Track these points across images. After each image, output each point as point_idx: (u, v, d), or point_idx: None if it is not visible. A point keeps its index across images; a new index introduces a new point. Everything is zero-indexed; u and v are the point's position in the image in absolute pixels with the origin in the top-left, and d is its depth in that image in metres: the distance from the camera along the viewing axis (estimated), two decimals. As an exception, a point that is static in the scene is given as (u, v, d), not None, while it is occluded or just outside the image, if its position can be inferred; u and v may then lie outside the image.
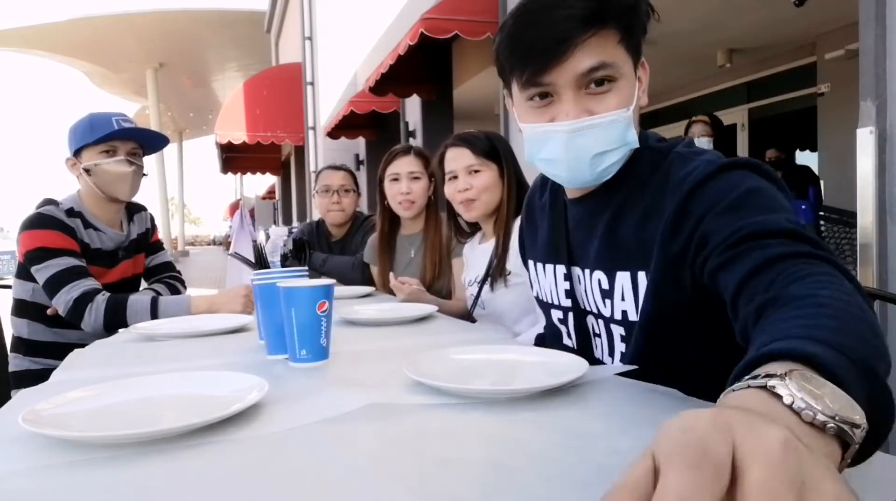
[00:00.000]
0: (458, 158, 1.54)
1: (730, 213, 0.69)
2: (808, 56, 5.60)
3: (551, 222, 1.00)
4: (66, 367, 0.98)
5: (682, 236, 0.74)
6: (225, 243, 22.45)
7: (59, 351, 1.59)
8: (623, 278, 0.83)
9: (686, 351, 0.79)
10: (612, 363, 0.87)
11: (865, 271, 1.77)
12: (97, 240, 1.63)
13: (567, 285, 0.95)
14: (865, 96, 1.76)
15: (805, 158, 6.02)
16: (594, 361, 0.93)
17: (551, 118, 0.81)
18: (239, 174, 16.51)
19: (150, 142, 1.71)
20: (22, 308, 1.62)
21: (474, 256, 1.65)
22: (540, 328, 1.32)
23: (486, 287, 1.55)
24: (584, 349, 0.95)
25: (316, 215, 2.34)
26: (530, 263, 1.08)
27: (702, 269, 0.71)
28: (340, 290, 1.84)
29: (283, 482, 0.49)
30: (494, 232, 1.55)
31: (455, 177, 1.55)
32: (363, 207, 2.63)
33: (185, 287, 1.84)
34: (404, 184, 1.91)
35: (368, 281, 2.18)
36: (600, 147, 0.80)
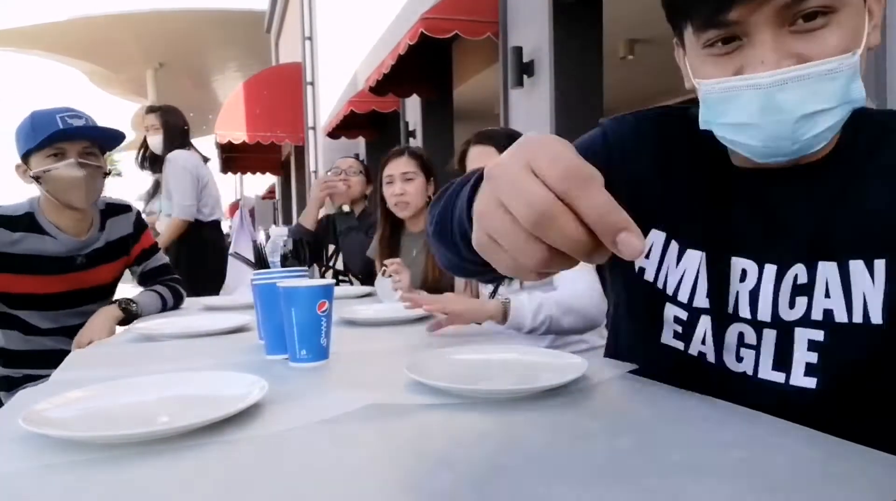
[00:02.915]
0: (482, 157, 1.53)
1: None
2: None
3: (708, 194, 0.73)
4: (66, 367, 0.98)
5: None
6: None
7: (35, 360, 1.56)
8: (828, 270, 0.64)
9: None
10: (787, 379, 0.66)
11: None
12: (39, 246, 1.49)
13: (714, 281, 0.71)
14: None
15: (805, 157, 6.02)
16: (736, 376, 0.69)
17: (738, 69, 0.60)
18: (239, 174, 16.50)
19: (104, 138, 1.54)
20: None
21: None
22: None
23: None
24: (721, 364, 0.71)
25: (320, 212, 2.40)
26: (656, 233, 0.76)
27: None
28: (340, 290, 1.84)
29: (283, 482, 0.49)
30: None
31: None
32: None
33: (183, 287, 1.79)
34: (398, 185, 1.92)
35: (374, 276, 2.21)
36: (812, 106, 0.57)
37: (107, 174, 1.55)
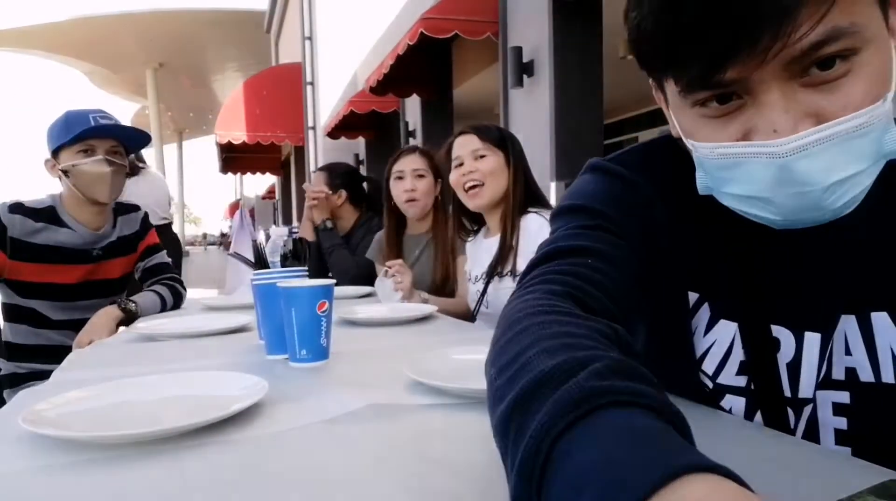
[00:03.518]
0: (464, 144, 1.54)
1: None
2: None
3: (735, 255, 0.61)
4: (66, 367, 0.98)
5: None
6: (224, 243, 22.45)
7: (42, 355, 1.59)
8: (847, 323, 0.57)
9: None
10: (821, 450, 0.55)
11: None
12: (58, 237, 1.56)
13: (746, 353, 0.60)
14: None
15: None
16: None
17: (744, 132, 0.48)
18: (239, 174, 16.52)
19: (131, 139, 1.63)
20: (4, 311, 1.62)
21: (479, 251, 1.62)
22: None
23: (491, 285, 1.53)
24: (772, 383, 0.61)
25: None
26: (695, 296, 0.65)
27: None
28: (340, 290, 1.84)
29: (283, 482, 0.49)
30: (500, 226, 1.53)
31: (461, 163, 1.54)
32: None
33: (183, 286, 1.80)
34: (408, 181, 1.90)
35: (368, 281, 2.19)
36: (841, 172, 0.46)
37: (129, 174, 1.65)
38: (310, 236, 2.35)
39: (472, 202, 1.54)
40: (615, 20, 4.54)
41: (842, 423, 0.57)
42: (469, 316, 1.67)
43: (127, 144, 1.63)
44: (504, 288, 1.49)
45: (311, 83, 10.36)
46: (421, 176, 1.91)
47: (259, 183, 22.19)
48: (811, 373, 0.57)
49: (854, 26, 0.43)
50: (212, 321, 1.33)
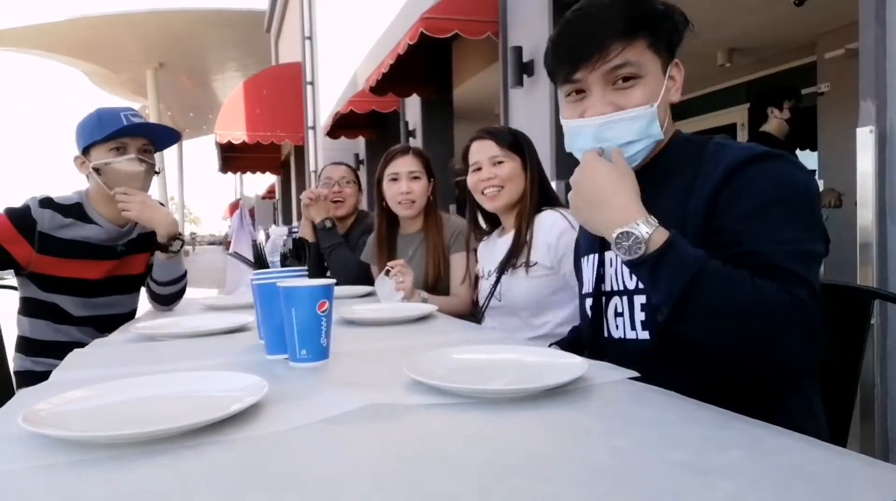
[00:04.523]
0: (482, 150, 1.58)
1: (750, 219, 0.80)
2: (808, 55, 5.59)
3: None
4: (66, 367, 0.98)
5: (717, 214, 0.83)
6: (225, 243, 22.45)
7: (61, 351, 1.60)
8: None
9: None
10: (635, 336, 0.95)
11: (865, 271, 1.77)
12: (85, 233, 1.58)
13: (598, 271, 1.03)
14: (865, 96, 1.76)
15: (805, 157, 6.02)
16: (612, 341, 1.00)
17: (582, 112, 0.91)
18: (239, 174, 16.50)
19: (160, 138, 1.66)
20: (24, 306, 1.63)
21: (494, 250, 1.64)
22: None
23: (504, 277, 1.54)
24: (598, 329, 1.03)
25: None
26: (582, 261, 1.13)
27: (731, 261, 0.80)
28: (340, 290, 1.84)
29: (283, 482, 0.49)
30: (515, 224, 1.57)
31: (479, 168, 1.58)
32: (363, 205, 2.64)
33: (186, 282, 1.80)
34: (404, 184, 1.90)
35: (367, 281, 2.18)
36: (624, 138, 0.89)
37: (157, 173, 1.66)
38: (310, 236, 2.35)
39: (490, 204, 1.59)
40: (615, 20, 4.56)
41: (643, 316, 0.94)
42: (469, 315, 1.67)
43: (156, 142, 1.66)
44: (517, 280, 1.50)
45: (311, 83, 10.35)
46: (416, 178, 1.92)
47: (259, 183, 22.16)
48: (621, 274, 0.99)
49: (637, 62, 0.88)
50: (212, 321, 1.33)
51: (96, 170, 1.56)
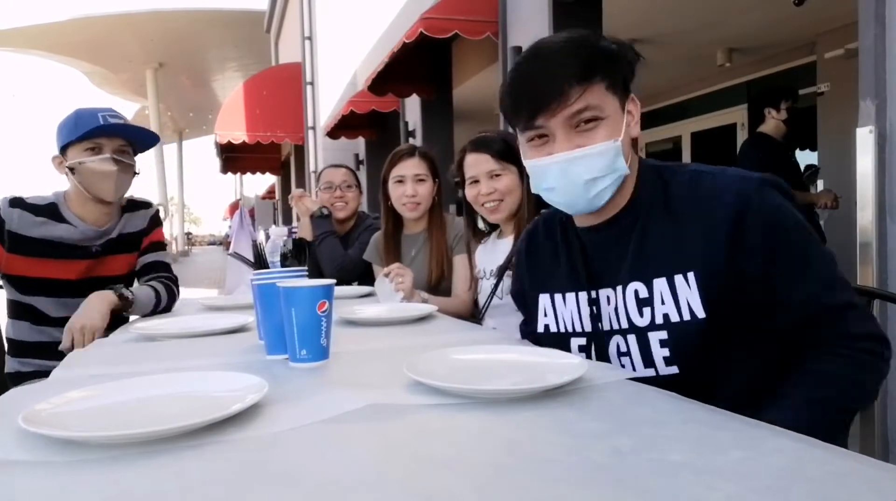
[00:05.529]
0: (478, 164, 1.58)
1: (799, 269, 0.84)
2: (808, 55, 5.60)
3: (568, 254, 1.04)
4: (65, 367, 0.98)
5: (744, 247, 0.84)
6: (225, 243, 22.44)
7: (44, 351, 1.59)
8: (660, 284, 0.89)
9: (734, 352, 0.87)
10: (654, 373, 0.90)
11: (865, 271, 1.77)
12: (58, 232, 1.56)
13: (592, 309, 0.98)
14: (865, 96, 1.76)
15: (805, 157, 6.02)
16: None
17: (547, 154, 0.91)
18: (239, 174, 16.49)
19: (139, 139, 1.63)
20: (8, 308, 1.62)
21: (493, 252, 1.64)
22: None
23: (507, 276, 1.54)
24: None
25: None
26: (542, 297, 1.07)
27: (768, 307, 0.85)
28: (340, 290, 1.84)
29: (283, 482, 0.49)
30: (514, 229, 1.59)
31: (476, 181, 1.58)
32: (363, 206, 2.64)
33: (177, 288, 1.76)
34: (409, 187, 1.90)
35: (362, 280, 2.19)
36: (591, 174, 0.89)
37: (136, 174, 1.63)
38: (309, 236, 2.35)
39: (492, 217, 1.62)
40: (615, 21, 4.55)
41: (665, 352, 0.88)
42: (468, 315, 1.67)
43: (135, 143, 1.63)
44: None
45: (311, 83, 10.34)
46: (421, 180, 1.92)
47: (259, 183, 22.15)
48: (625, 312, 0.93)
49: (597, 105, 0.88)
50: (212, 321, 1.33)
51: (71, 169, 1.54)
